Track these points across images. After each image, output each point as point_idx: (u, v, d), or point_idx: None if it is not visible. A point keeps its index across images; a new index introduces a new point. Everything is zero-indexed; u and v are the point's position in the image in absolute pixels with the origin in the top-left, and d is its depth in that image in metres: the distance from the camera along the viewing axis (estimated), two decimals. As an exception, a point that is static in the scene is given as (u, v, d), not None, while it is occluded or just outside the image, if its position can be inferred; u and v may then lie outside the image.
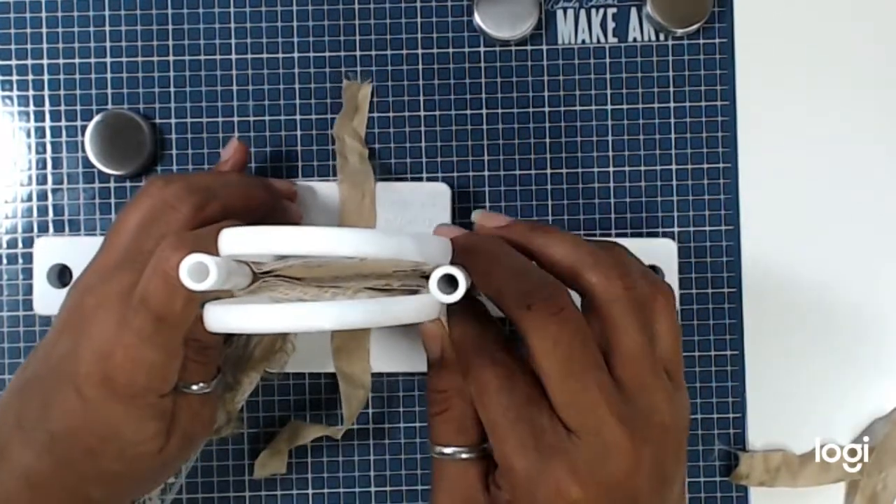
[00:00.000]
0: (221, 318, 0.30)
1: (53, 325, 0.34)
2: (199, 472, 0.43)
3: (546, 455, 0.29)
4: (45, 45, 0.43)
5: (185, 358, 0.33)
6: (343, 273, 0.33)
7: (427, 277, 0.33)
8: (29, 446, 0.32)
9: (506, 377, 0.30)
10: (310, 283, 0.32)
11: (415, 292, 0.31)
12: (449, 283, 0.29)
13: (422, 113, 0.43)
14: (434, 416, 0.33)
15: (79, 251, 0.40)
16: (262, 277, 0.33)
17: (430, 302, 0.30)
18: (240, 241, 0.29)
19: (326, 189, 0.41)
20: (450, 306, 0.31)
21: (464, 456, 0.32)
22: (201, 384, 0.35)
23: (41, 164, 0.43)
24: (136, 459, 0.33)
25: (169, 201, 0.33)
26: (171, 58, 0.43)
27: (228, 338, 0.40)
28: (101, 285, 0.32)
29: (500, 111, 0.43)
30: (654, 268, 0.42)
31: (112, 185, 0.43)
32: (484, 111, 0.43)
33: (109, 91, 0.43)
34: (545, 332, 0.29)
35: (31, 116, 0.43)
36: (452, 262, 0.29)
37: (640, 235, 0.43)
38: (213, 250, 0.28)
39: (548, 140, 0.43)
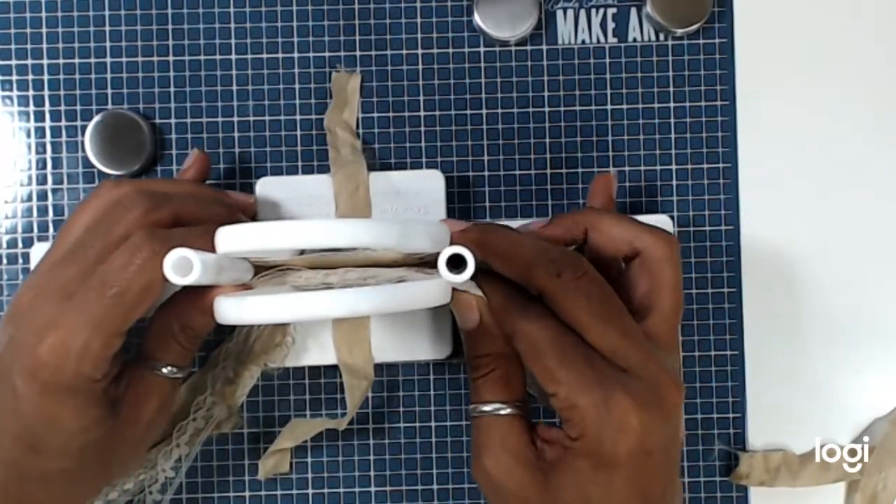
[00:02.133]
0: (231, 310, 0.30)
1: None
2: (199, 472, 0.43)
3: (608, 389, 0.31)
4: (45, 45, 0.43)
5: (173, 341, 0.34)
6: (356, 262, 0.33)
7: (428, 264, 0.33)
8: None
9: (555, 327, 0.32)
10: (327, 270, 0.33)
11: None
12: (456, 263, 0.29)
13: (422, 113, 0.43)
14: (477, 379, 0.34)
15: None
16: (277, 269, 0.34)
17: (441, 284, 0.31)
18: (236, 238, 0.30)
19: (320, 182, 0.41)
20: (482, 279, 0.33)
21: (505, 411, 0.33)
22: (173, 368, 0.35)
23: (41, 164, 0.43)
24: (84, 451, 0.32)
25: (121, 201, 0.33)
26: (171, 58, 0.43)
27: (230, 331, 0.40)
28: (40, 279, 0.33)
29: (500, 111, 0.43)
30: None
31: (112, 185, 0.43)
32: (484, 111, 0.43)
33: (109, 91, 0.43)
34: (578, 292, 0.32)
35: (31, 116, 0.43)
36: (466, 248, 0.30)
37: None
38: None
39: (548, 140, 0.43)
